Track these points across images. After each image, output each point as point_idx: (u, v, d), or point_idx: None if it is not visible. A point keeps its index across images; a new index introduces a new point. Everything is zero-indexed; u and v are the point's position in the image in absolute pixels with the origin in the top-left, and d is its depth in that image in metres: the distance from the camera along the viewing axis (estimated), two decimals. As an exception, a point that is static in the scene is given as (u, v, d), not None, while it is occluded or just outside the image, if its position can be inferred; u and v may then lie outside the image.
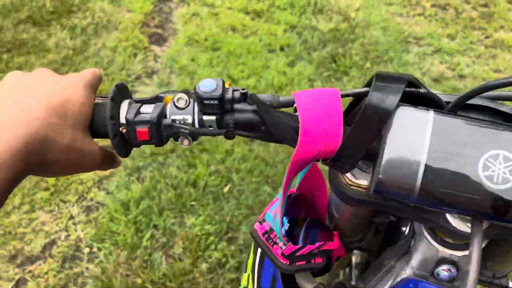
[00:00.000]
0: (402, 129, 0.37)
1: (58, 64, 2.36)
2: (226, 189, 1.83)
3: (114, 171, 1.86)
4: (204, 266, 1.56)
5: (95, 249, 1.61)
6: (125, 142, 0.42)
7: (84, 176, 1.85)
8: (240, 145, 2.00)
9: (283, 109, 0.43)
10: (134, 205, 1.72)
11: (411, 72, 2.49)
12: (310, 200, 0.62)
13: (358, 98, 0.43)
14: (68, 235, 1.66)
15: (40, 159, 0.35)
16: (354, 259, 0.96)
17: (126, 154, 0.43)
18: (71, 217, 1.72)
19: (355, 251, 0.88)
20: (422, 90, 0.41)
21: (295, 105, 0.41)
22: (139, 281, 1.51)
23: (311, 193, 0.60)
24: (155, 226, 1.67)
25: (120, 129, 0.41)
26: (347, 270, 1.03)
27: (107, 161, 0.45)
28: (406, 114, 0.38)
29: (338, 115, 0.39)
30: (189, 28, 2.76)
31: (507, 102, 0.45)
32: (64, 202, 1.76)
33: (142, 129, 0.40)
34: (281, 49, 2.63)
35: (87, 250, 1.62)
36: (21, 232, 1.64)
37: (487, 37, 2.80)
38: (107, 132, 0.41)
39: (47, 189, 1.79)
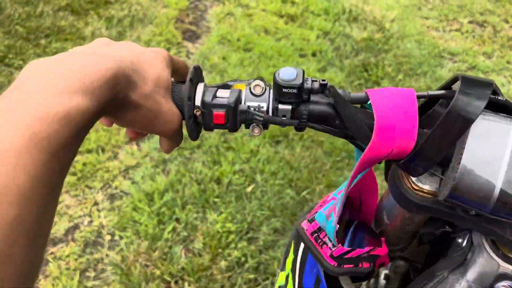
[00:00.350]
0: (483, 136, 0.36)
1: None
2: (249, 189, 1.82)
3: (141, 161, 1.88)
4: (223, 263, 1.56)
5: (116, 237, 1.63)
6: (197, 125, 0.42)
7: (111, 164, 1.87)
8: (265, 146, 1.99)
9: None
10: (158, 197, 1.73)
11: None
12: (356, 202, 0.60)
13: (433, 100, 0.42)
14: (91, 221, 1.68)
15: (123, 96, 0.36)
16: (381, 269, 0.94)
17: (196, 136, 0.43)
18: (95, 203, 1.74)
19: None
20: (500, 98, 0.39)
21: (369, 102, 0.40)
22: (157, 272, 1.52)
23: (359, 195, 0.59)
24: (177, 219, 1.68)
25: (195, 111, 0.41)
26: (372, 280, 1.00)
27: (180, 135, 0.45)
28: (488, 121, 0.37)
29: (414, 115, 0.38)
30: (223, 27, 2.77)
31: None
32: (90, 188, 1.78)
33: (219, 112, 0.40)
34: (313, 54, 2.62)
35: (108, 237, 1.63)
36: (47, 213, 1.67)
37: (524, 58, 2.74)
38: (182, 113, 0.41)
39: (74, 174, 1.81)
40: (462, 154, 0.36)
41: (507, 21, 3.06)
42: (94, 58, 0.34)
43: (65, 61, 0.33)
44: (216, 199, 1.75)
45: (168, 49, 2.53)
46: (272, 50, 2.59)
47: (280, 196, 1.81)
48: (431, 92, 0.41)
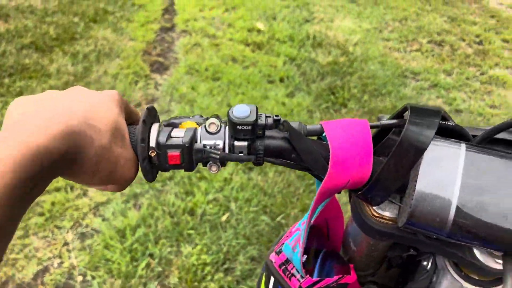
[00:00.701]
0: (435, 162, 0.37)
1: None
2: (224, 218, 1.80)
3: (111, 197, 1.83)
4: (200, 297, 1.52)
5: (88, 277, 1.57)
6: (152, 167, 0.42)
7: (80, 201, 1.82)
8: (239, 173, 1.98)
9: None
10: (130, 233, 1.68)
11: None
12: (324, 231, 0.61)
13: (385, 129, 0.43)
14: (62, 262, 1.61)
15: (77, 152, 0.35)
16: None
17: (152, 178, 0.42)
18: (65, 244, 1.67)
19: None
20: (450, 123, 0.41)
21: (324, 134, 0.40)
22: (133, 312, 1.46)
23: (326, 224, 0.59)
24: (150, 255, 1.63)
25: (149, 152, 0.40)
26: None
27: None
28: (439, 147, 0.38)
29: (368, 145, 0.39)
30: (190, 57, 2.79)
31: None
32: (59, 228, 1.72)
33: (173, 153, 0.40)
34: (281, 80, 2.66)
35: (80, 278, 1.57)
36: (13, 258, 1.60)
37: (482, 74, 2.86)
38: (136, 155, 0.40)
39: (42, 214, 1.75)
40: (416, 181, 0.37)
41: (463, 40, 3.21)
42: (42, 117, 0.33)
43: (16, 124, 0.32)
44: (190, 231, 1.72)
45: (136, 82, 2.52)
46: (241, 78, 2.62)
47: (255, 223, 1.79)
48: (383, 122, 0.42)
